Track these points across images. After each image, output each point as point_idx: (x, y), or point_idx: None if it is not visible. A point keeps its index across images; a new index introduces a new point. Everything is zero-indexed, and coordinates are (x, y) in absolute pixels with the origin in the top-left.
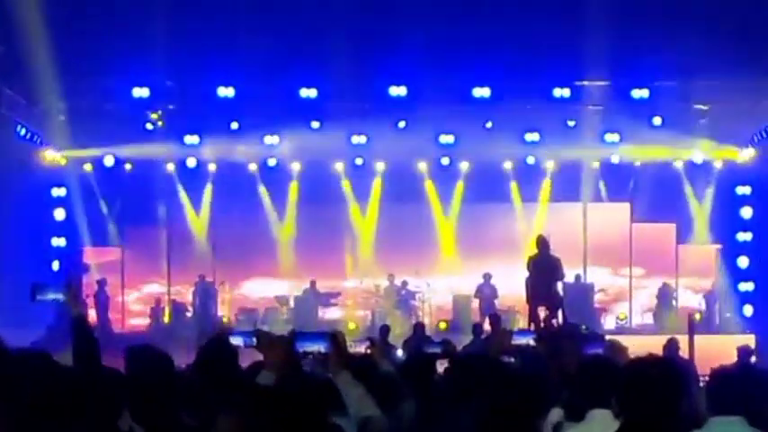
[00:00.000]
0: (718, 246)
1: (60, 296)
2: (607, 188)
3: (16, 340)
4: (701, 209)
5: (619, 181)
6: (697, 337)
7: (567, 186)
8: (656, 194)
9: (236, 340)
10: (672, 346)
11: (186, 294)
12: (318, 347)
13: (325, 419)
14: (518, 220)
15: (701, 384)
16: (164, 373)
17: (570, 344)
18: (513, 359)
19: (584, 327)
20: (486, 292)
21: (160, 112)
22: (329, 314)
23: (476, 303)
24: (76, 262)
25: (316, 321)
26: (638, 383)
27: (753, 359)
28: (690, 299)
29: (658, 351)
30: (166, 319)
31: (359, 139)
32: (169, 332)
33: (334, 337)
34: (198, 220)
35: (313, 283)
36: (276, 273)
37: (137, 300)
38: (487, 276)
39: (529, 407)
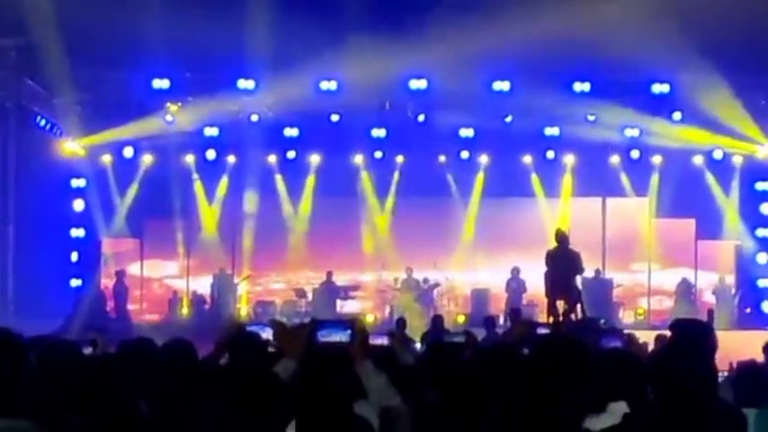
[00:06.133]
0: (738, 242)
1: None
2: (631, 183)
3: (35, 330)
4: (729, 203)
5: (640, 176)
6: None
7: (588, 181)
8: (677, 190)
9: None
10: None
11: (205, 287)
12: (339, 337)
13: (348, 409)
14: (539, 215)
15: (721, 379)
16: (190, 363)
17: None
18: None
19: (602, 321)
20: (514, 286)
21: (180, 104)
22: (347, 307)
23: (496, 297)
24: (95, 253)
25: (333, 314)
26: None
27: None
28: (709, 295)
29: None
30: (185, 311)
31: (378, 133)
32: (187, 324)
33: (357, 325)
34: (210, 210)
35: (329, 274)
36: (295, 266)
37: (155, 291)
38: (515, 271)
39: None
